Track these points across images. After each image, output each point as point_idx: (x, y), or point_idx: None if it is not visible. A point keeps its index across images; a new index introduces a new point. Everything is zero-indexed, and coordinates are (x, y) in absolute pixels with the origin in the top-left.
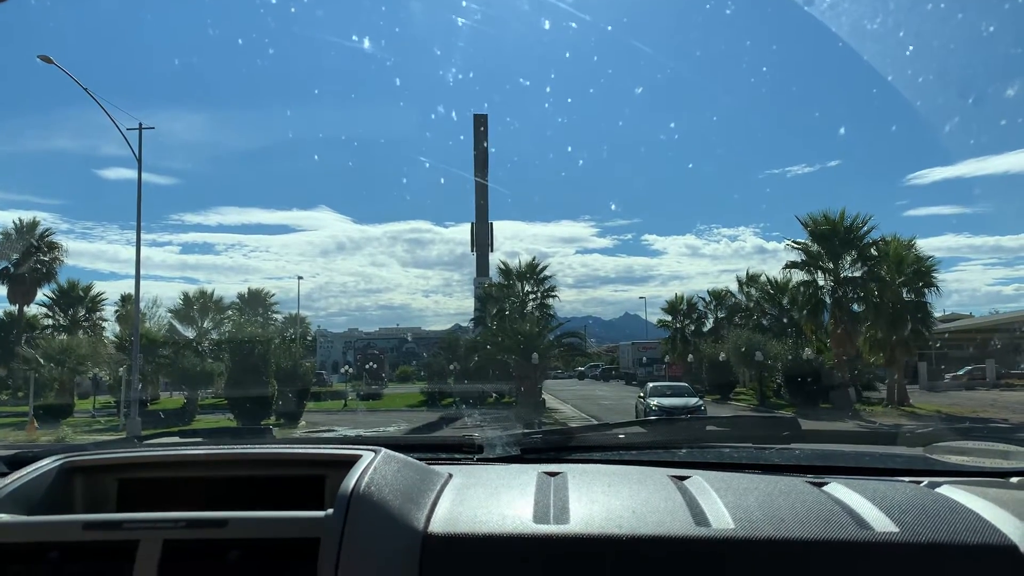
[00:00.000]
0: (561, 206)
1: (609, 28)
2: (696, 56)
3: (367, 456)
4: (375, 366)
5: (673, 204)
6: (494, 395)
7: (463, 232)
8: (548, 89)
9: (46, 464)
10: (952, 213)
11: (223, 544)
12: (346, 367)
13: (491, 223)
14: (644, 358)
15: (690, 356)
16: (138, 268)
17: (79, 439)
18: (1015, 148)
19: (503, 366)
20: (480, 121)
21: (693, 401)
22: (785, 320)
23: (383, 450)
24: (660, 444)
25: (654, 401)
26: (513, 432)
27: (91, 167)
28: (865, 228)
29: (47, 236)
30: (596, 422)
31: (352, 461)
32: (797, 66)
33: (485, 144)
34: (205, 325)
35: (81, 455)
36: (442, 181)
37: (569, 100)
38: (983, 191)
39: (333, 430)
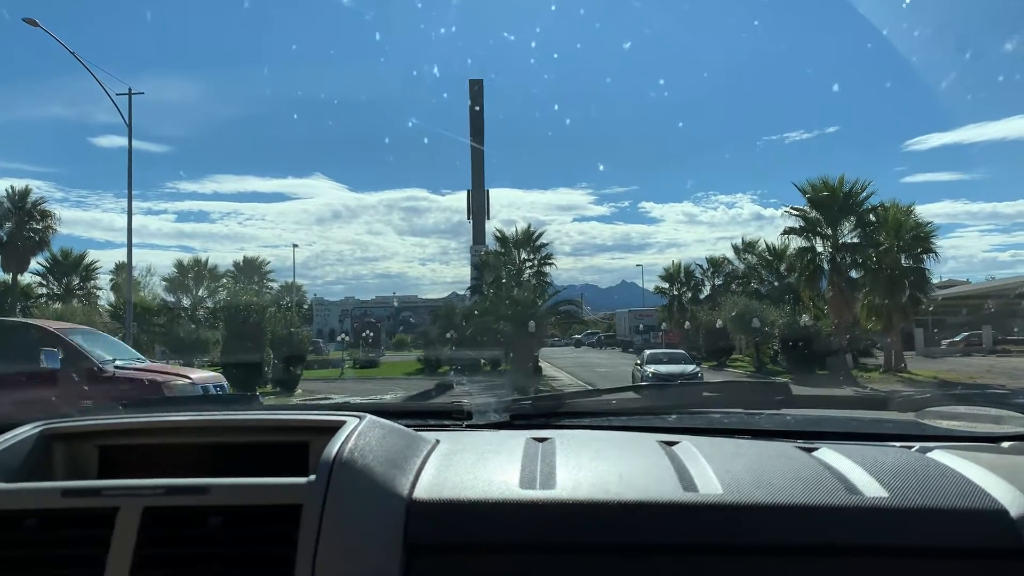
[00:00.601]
0: (558, 174)
1: None
2: (693, 20)
3: (352, 422)
4: (371, 334)
5: (671, 171)
6: (491, 363)
7: (460, 200)
8: (544, 55)
9: (25, 431)
10: (949, 179)
11: (204, 511)
12: (342, 335)
13: (487, 190)
14: (641, 325)
15: (687, 323)
16: (129, 235)
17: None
18: (1013, 114)
19: (499, 334)
20: (475, 86)
21: (690, 368)
22: (782, 287)
23: (368, 416)
24: (650, 410)
25: (651, 368)
26: (502, 399)
27: (85, 135)
28: (864, 194)
29: (40, 204)
30: (587, 390)
31: (337, 427)
32: (794, 27)
33: (480, 109)
34: (200, 293)
35: (61, 421)
36: (439, 149)
37: (565, 66)
38: (981, 157)
39: (329, 398)
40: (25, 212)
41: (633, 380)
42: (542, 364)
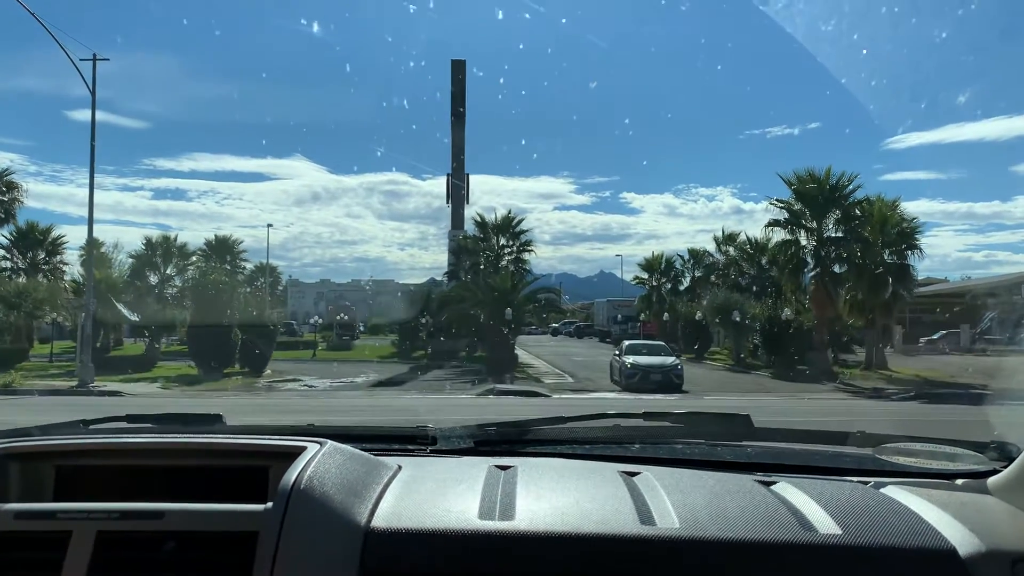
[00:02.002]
0: (541, 162)
1: None
2: (679, 10)
3: (311, 448)
4: (346, 317)
5: (652, 162)
6: (466, 349)
7: (440, 186)
8: (530, 43)
9: None
10: (927, 178)
11: (159, 536)
12: (316, 318)
13: (467, 174)
14: (619, 316)
15: (665, 315)
16: (91, 207)
17: (27, 384)
18: (991, 115)
19: (476, 320)
20: (458, 68)
21: (670, 360)
22: (763, 280)
23: (329, 442)
24: (614, 439)
25: (630, 359)
26: (467, 424)
27: (60, 108)
28: (850, 187)
29: (6, 176)
30: (552, 417)
31: (296, 453)
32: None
33: (462, 90)
34: (168, 271)
35: (18, 441)
36: (421, 133)
37: (551, 54)
38: (958, 157)
39: (299, 379)
40: None
41: (611, 370)
42: (519, 352)
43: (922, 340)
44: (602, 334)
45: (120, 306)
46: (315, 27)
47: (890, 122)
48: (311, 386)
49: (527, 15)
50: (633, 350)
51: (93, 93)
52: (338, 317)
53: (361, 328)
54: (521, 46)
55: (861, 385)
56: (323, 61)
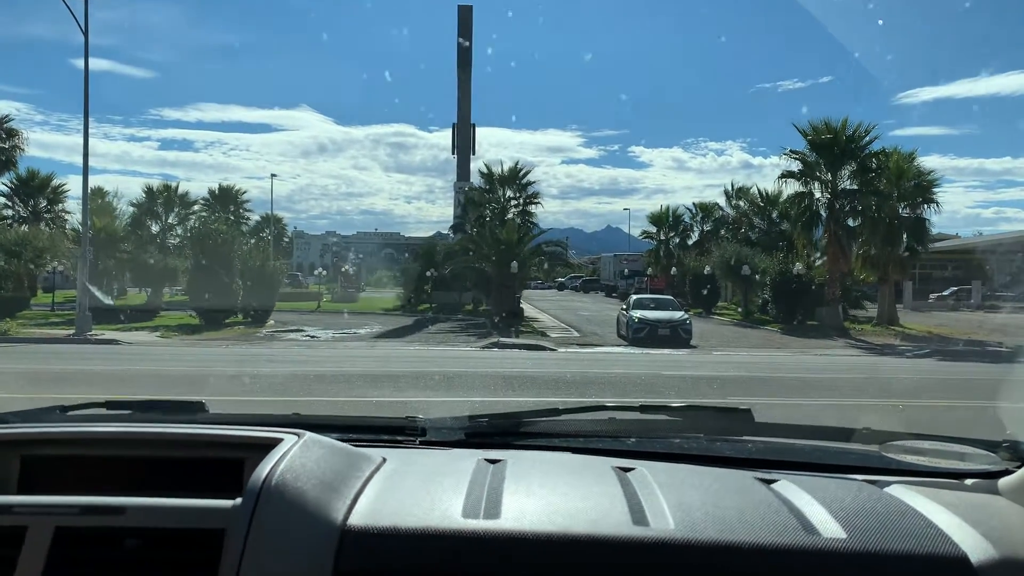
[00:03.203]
0: (549, 114)
1: None
2: None
3: (288, 440)
4: (351, 269)
5: (662, 116)
6: (472, 303)
7: (447, 138)
8: None
9: None
10: (938, 134)
11: (120, 532)
12: (320, 269)
13: (473, 125)
14: (626, 270)
15: (673, 269)
16: (86, 152)
17: (23, 332)
18: (1006, 70)
19: (482, 274)
20: (465, 14)
21: (678, 315)
22: (774, 234)
23: (307, 434)
24: (608, 432)
25: (637, 314)
26: (458, 416)
27: (67, 56)
28: (867, 139)
29: (6, 122)
30: (546, 408)
31: (272, 445)
32: None
33: (470, 37)
34: (170, 220)
35: None
36: (427, 83)
37: (561, 4)
38: (970, 112)
39: (302, 329)
40: None
41: (618, 325)
42: (524, 305)
43: (932, 296)
44: (608, 288)
45: (94, 289)
46: None
47: (902, 77)
48: (313, 336)
49: None
50: (640, 304)
51: (86, 33)
52: (343, 269)
53: (367, 280)
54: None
55: (873, 341)
56: (330, 10)
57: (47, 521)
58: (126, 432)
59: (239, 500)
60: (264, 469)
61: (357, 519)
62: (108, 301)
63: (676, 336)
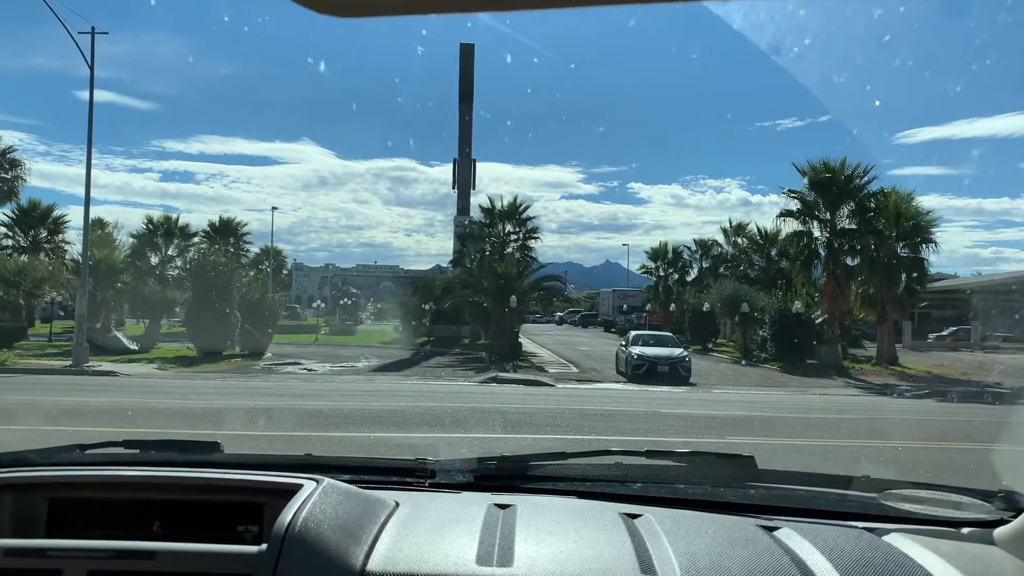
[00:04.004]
0: (549, 150)
1: None
2: (688, 5)
3: (308, 487)
4: (349, 302)
5: (662, 153)
6: (470, 336)
7: (447, 172)
8: (540, 31)
9: None
10: (937, 174)
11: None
12: (319, 302)
13: (473, 160)
14: (625, 306)
15: (672, 305)
16: (88, 184)
17: (20, 363)
18: (1005, 111)
19: (480, 308)
20: (467, 52)
21: (677, 352)
22: (773, 272)
23: (326, 480)
24: (615, 477)
25: (636, 350)
26: (467, 458)
27: (70, 88)
28: (866, 179)
29: (9, 152)
30: (553, 452)
31: (292, 490)
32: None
33: (471, 76)
34: (170, 252)
35: (11, 471)
36: (428, 119)
37: (562, 43)
38: (969, 153)
39: (299, 362)
40: None
41: (617, 361)
42: (523, 340)
43: (931, 336)
44: (607, 324)
45: (120, 335)
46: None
47: (901, 117)
48: (310, 370)
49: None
50: (639, 340)
51: (91, 67)
52: (341, 302)
53: (365, 314)
54: (532, 34)
55: (872, 381)
56: (333, 46)
57: (81, 565)
58: (151, 477)
59: (264, 546)
60: (287, 516)
61: (375, 565)
62: (133, 347)
63: (675, 373)
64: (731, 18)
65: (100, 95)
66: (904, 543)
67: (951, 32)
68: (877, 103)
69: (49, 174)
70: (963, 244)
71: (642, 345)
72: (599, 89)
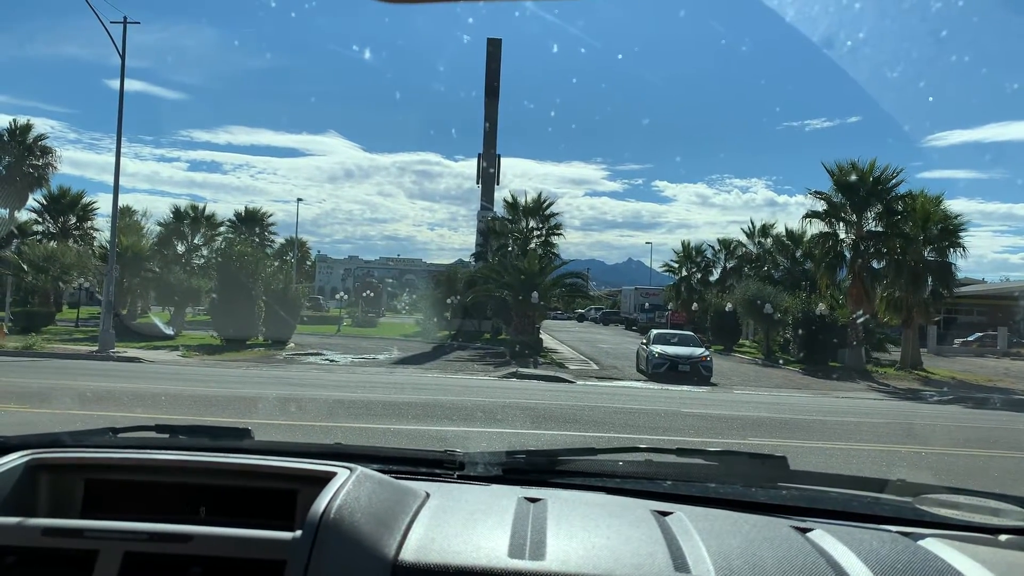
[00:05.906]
0: (574, 147)
1: None
2: (721, 4)
3: (342, 474)
4: (372, 294)
5: (687, 151)
6: (491, 331)
7: (472, 167)
8: (568, 27)
9: (12, 460)
10: (967, 177)
11: (186, 560)
12: (342, 294)
13: (498, 155)
14: (646, 304)
15: (694, 305)
16: (117, 171)
17: (47, 347)
18: None
19: (502, 303)
20: (494, 47)
21: (699, 351)
22: (797, 273)
23: (359, 468)
24: (645, 474)
25: (657, 349)
26: (495, 451)
27: (101, 77)
28: (894, 181)
29: (40, 140)
30: (581, 446)
31: (326, 478)
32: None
33: (497, 70)
34: (196, 241)
35: (49, 452)
36: (455, 114)
37: (589, 38)
38: (1001, 156)
39: (321, 353)
40: (25, 147)
41: (638, 359)
42: (543, 336)
43: (957, 341)
44: (628, 322)
45: (159, 322)
46: (354, 5)
47: (931, 119)
48: (332, 360)
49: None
50: (661, 339)
51: (123, 56)
52: (364, 294)
53: (387, 305)
54: (558, 32)
55: (896, 385)
56: (362, 40)
57: (118, 546)
58: (185, 461)
59: (299, 533)
60: (322, 503)
61: (408, 555)
62: (169, 331)
63: (696, 373)
64: (784, 11)
65: (131, 84)
66: (940, 548)
67: (1012, 28)
68: (931, 99)
69: (79, 162)
70: (992, 249)
71: (663, 344)
72: (637, 84)
